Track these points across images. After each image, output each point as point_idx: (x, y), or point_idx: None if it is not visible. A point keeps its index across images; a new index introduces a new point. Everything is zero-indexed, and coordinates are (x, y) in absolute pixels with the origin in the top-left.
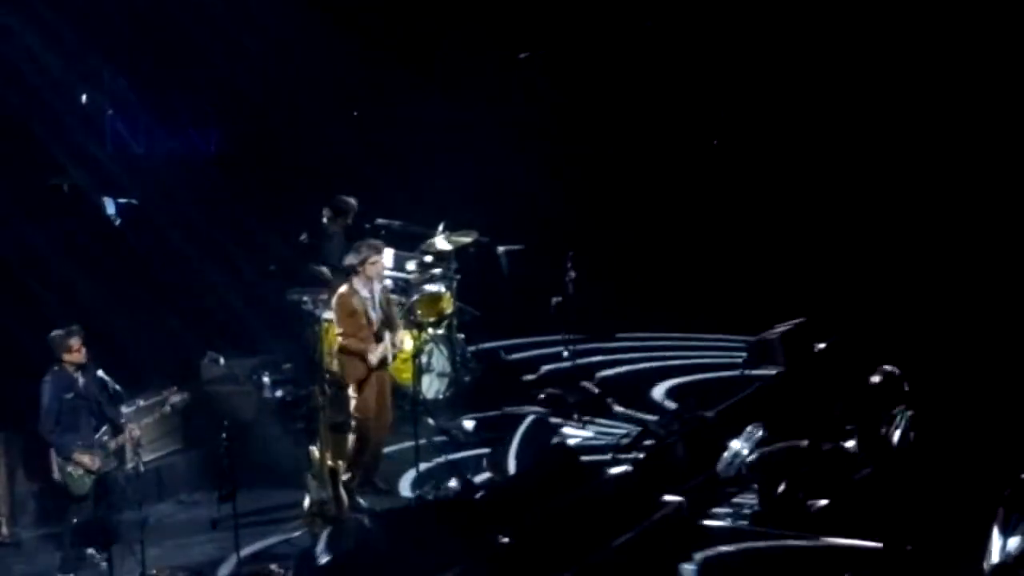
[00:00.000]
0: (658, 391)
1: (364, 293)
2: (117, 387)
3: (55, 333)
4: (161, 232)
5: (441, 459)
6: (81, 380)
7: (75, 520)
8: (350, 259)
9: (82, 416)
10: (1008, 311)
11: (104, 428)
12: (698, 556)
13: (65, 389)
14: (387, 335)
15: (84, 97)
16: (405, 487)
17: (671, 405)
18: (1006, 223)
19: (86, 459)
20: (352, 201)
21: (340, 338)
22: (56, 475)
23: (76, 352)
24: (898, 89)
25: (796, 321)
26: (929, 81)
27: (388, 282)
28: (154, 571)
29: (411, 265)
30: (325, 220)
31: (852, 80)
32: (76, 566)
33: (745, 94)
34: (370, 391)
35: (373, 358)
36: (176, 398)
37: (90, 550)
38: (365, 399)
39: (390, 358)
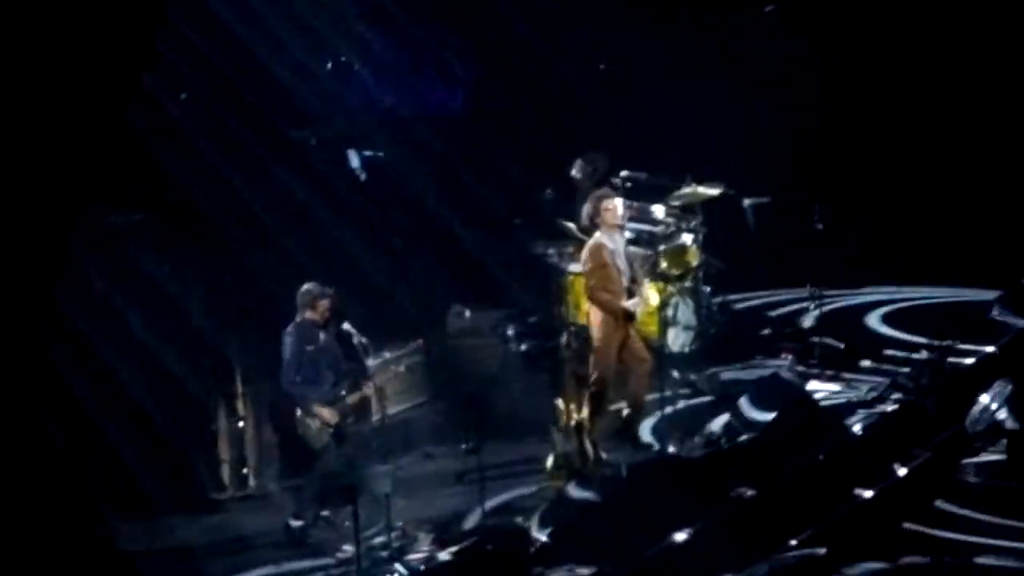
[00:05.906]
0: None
1: (610, 245)
2: (363, 339)
3: (309, 286)
4: (406, 185)
5: (686, 413)
6: (322, 335)
7: (315, 473)
8: (585, 214)
9: (322, 369)
10: None
11: (343, 383)
12: None
13: (307, 342)
14: (639, 289)
15: (333, 51)
16: (650, 441)
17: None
18: None
19: (325, 412)
20: (603, 156)
21: (591, 291)
22: (297, 428)
23: (321, 313)
24: None
25: None
26: None
27: (629, 234)
28: (400, 524)
29: (659, 215)
30: (575, 175)
31: None
32: (312, 518)
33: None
34: (614, 345)
35: (631, 306)
36: (411, 359)
37: (325, 512)
38: (608, 354)
39: (638, 312)
